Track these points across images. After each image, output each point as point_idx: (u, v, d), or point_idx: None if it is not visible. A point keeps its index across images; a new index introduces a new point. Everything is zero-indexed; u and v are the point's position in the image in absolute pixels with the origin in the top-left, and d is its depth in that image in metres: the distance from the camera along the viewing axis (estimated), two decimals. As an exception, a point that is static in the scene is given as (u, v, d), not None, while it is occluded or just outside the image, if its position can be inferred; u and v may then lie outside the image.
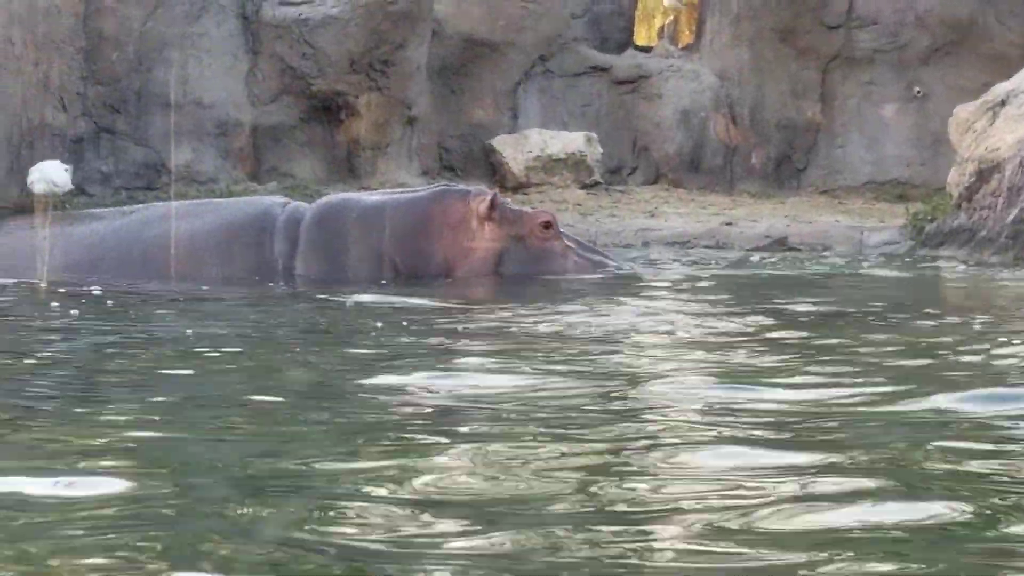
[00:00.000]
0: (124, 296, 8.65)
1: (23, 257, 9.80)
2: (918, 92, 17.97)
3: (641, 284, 9.32)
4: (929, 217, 13.12)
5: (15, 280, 9.39)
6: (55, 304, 8.18)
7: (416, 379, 4.87)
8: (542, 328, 6.64)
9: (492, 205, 9.46)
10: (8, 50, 14.08)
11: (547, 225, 9.64)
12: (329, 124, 16.57)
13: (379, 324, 6.87)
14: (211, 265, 9.47)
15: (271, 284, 9.14)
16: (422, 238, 9.42)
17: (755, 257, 12.60)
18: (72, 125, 15.15)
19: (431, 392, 4.67)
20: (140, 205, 11.20)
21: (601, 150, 17.64)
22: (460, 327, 7.08)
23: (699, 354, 5.75)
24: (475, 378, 4.89)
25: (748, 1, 18.06)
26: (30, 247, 9.87)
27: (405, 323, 6.97)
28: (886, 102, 18.08)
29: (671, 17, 21.64)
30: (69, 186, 12.65)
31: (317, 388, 4.91)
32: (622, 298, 8.30)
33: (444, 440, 3.75)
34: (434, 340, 6.32)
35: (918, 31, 17.95)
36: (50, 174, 12.68)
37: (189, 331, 6.73)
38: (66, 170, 12.85)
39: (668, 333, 6.66)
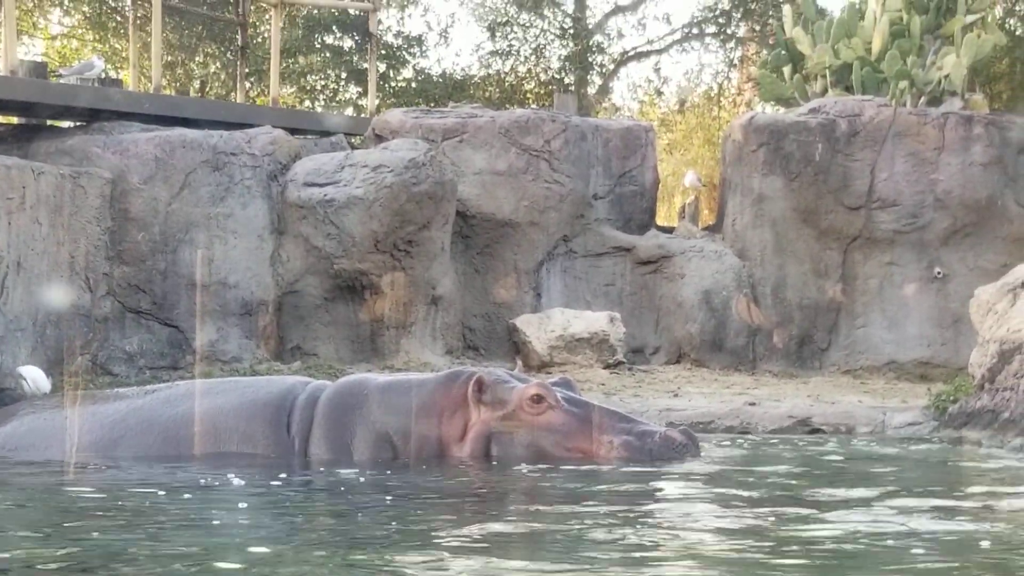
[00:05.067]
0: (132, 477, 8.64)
1: (47, 435, 9.83)
2: (939, 273, 18.02)
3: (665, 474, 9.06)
4: (952, 398, 13.08)
5: (39, 459, 9.41)
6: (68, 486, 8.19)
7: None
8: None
9: (479, 387, 9.36)
10: (34, 230, 14.23)
11: (536, 399, 9.39)
12: (353, 303, 16.65)
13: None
14: (231, 444, 9.48)
15: (287, 466, 9.12)
16: (421, 421, 9.34)
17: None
18: (97, 305, 15.25)
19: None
20: (163, 384, 11.25)
21: (624, 330, 17.68)
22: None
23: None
24: None
25: (769, 182, 18.20)
26: (53, 426, 9.91)
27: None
28: (907, 282, 18.12)
29: (691, 197, 21.80)
30: (48, 389, 12.90)
31: None
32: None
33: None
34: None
35: (938, 212, 18.05)
36: (36, 377, 12.97)
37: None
38: (48, 377, 13.16)
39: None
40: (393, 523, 6.57)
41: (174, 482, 8.38)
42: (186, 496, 7.57)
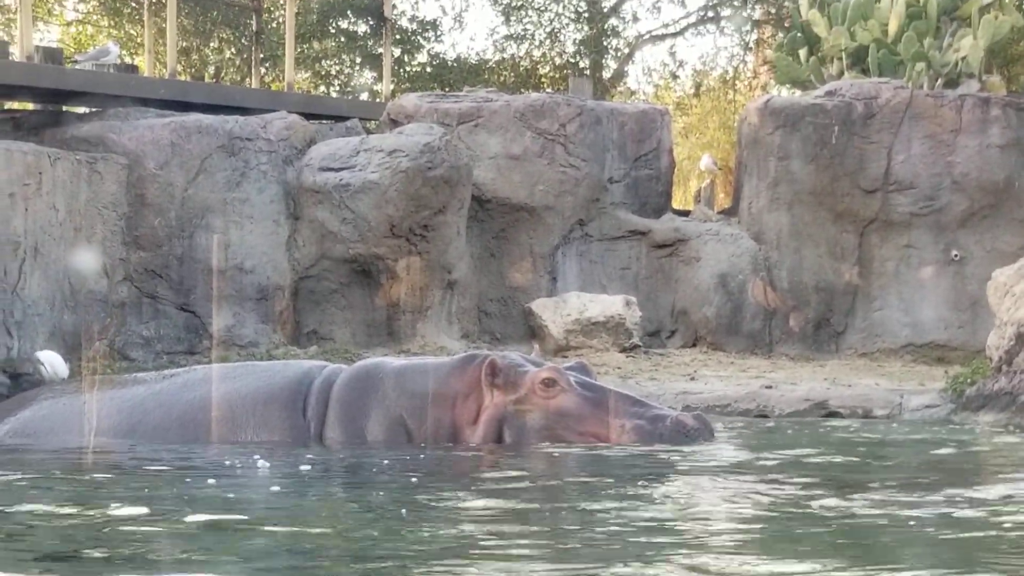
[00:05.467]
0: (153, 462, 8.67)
1: (66, 421, 9.86)
2: (956, 255, 17.99)
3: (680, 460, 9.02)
4: (969, 380, 13.06)
5: (59, 444, 9.44)
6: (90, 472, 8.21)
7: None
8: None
9: (492, 371, 9.38)
10: (51, 216, 14.25)
11: (548, 383, 9.41)
12: (369, 288, 16.66)
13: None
14: (248, 428, 9.50)
15: (304, 448, 9.14)
16: (435, 404, 9.37)
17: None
18: (114, 290, 15.28)
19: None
20: (181, 369, 11.27)
21: (640, 313, 17.67)
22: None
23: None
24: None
25: (785, 165, 18.17)
26: (73, 411, 9.94)
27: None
28: (924, 265, 18.09)
29: (707, 181, 21.77)
30: (66, 374, 12.89)
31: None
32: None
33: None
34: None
35: (955, 195, 18.01)
36: (54, 362, 12.94)
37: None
38: (66, 362, 13.13)
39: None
40: (414, 501, 6.59)
41: (203, 465, 8.41)
42: (213, 480, 7.59)
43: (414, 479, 7.68)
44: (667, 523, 6.11)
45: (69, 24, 32.54)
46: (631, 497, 6.97)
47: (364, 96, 30.97)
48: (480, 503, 6.61)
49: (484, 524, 6.03)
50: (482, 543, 5.52)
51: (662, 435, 9.19)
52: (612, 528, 5.91)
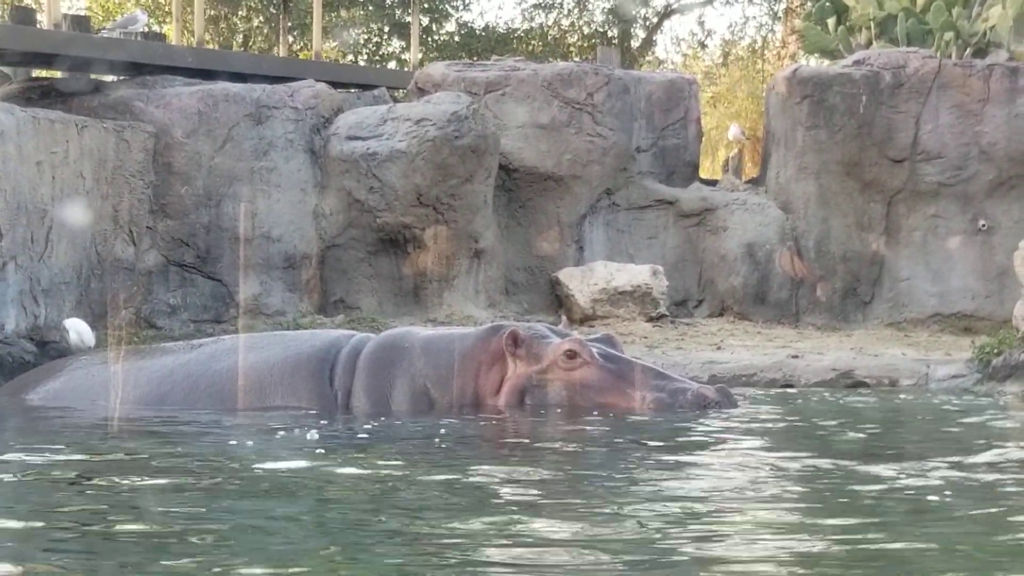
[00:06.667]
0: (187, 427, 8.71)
1: (95, 391, 9.92)
2: (983, 225, 17.93)
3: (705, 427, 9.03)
4: (996, 351, 13.05)
5: (89, 413, 9.50)
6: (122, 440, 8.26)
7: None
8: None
9: (514, 341, 9.43)
10: (78, 184, 14.30)
11: (571, 355, 9.44)
12: (396, 257, 16.68)
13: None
14: (276, 398, 9.55)
15: (331, 417, 9.19)
16: (459, 374, 9.43)
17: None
18: (141, 259, 15.33)
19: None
20: (209, 338, 11.32)
21: (667, 283, 17.66)
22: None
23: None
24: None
25: (813, 135, 18.12)
26: (101, 381, 9.99)
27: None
28: (951, 235, 18.04)
29: (735, 150, 21.73)
30: (93, 343, 12.93)
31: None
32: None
33: None
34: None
35: (983, 164, 17.94)
36: (81, 330, 12.96)
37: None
38: (93, 330, 13.16)
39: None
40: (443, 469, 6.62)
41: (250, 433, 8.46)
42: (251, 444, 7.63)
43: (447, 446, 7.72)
44: (685, 493, 6.12)
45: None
46: (651, 466, 7.01)
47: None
48: (500, 472, 6.64)
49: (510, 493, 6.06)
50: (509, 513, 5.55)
51: (683, 407, 9.23)
52: (631, 496, 5.94)
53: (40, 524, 5.21)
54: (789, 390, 12.85)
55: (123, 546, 4.87)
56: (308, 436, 7.91)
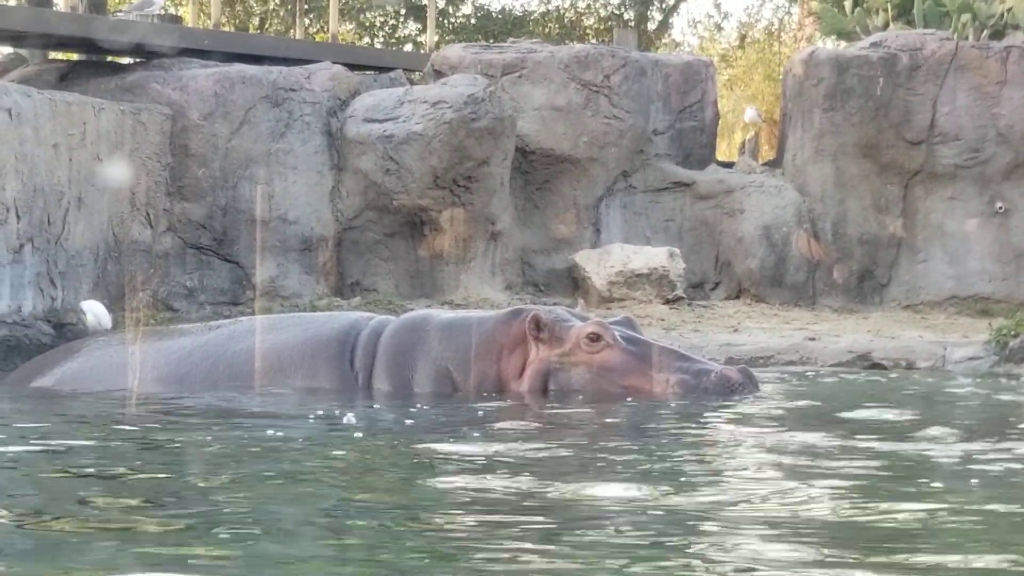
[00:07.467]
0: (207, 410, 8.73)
1: (114, 372, 9.93)
2: (1000, 208, 17.90)
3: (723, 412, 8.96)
4: (1013, 332, 13.03)
5: (106, 395, 9.51)
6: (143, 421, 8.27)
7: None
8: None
9: (536, 325, 9.40)
10: (95, 166, 14.32)
11: (594, 337, 9.42)
12: (412, 239, 16.70)
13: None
14: (296, 379, 9.57)
15: (351, 398, 9.20)
16: (481, 357, 9.40)
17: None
18: (158, 241, 15.35)
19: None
20: (227, 320, 11.33)
21: (683, 265, 17.66)
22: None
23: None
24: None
25: (830, 117, 18.10)
26: (120, 362, 10.00)
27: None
28: (968, 217, 18.01)
29: (752, 133, 21.70)
30: (110, 325, 12.95)
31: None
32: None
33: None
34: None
35: (1000, 147, 17.91)
36: (99, 312, 12.99)
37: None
38: (110, 312, 13.18)
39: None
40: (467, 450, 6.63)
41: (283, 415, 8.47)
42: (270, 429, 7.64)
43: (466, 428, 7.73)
44: (714, 475, 6.13)
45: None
46: (680, 446, 7.01)
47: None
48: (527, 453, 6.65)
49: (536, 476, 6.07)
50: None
51: (707, 389, 9.19)
52: (660, 475, 5.94)
53: (66, 510, 5.22)
54: (807, 372, 12.83)
55: (162, 536, 4.87)
56: (344, 420, 7.90)
